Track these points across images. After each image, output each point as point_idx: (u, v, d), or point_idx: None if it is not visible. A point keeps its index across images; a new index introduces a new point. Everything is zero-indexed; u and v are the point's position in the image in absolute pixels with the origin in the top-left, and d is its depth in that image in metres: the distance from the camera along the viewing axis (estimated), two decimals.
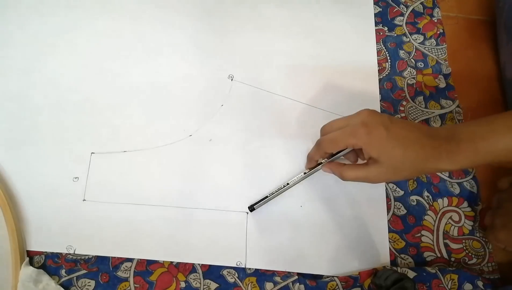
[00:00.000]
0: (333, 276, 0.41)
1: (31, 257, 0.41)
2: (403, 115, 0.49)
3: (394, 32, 0.53)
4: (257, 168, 0.45)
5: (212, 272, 0.41)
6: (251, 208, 0.42)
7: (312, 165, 0.41)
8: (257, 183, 0.44)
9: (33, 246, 0.41)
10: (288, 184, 0.42)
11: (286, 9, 0.53)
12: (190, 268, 0.41)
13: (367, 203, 0.44)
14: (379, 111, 0.47)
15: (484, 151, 0.33)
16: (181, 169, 0.45)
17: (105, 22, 0.51)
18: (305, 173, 0.42)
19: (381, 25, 0.54)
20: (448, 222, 0.44)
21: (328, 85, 0.50)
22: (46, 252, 0.41)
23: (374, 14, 0.54)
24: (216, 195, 0.44)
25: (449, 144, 0.33)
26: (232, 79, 0.49)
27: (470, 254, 0.43)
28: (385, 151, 0.34)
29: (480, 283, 0.40)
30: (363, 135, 0.34)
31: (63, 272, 0.40)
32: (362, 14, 0.54)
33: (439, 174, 0.46)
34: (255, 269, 0.41)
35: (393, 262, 0.43)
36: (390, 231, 0.44)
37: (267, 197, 0.42)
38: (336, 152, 0.39)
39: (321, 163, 0.40)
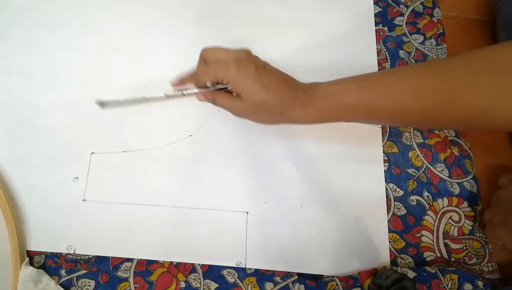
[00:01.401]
0: (333, 276, 0.41)
1: (31, 257, 0.41)
2: None
3: (394, 32, 0.53)
4: (257, 167, 0.45)
5: (212, 272, 0.41)
6: (102, 103, 0.40)
7: (182, 87, 0.40)
8: (257, 183, 0.44)
9: (33, 246, 0.41)
10: (146, 99, 0.41)
11: (285, 9, 0.53)
12: (190, 268, 0.41)
13: (367, 203, 0.44)
14: None
15: (332, 106, 0.36)
16: (181, 169, 0.45)
17: (106, 22, 0.51)
18: (166, 95, 0.40)
19: (381, 25, 0.54)
20: (448, 222, 0.44)
21: None
22: (46, 252, 0.41)
23: (374, 14, 0.54)
24: (216, 195, 0.44)
25: (304, 97, 0.36)
26: None
27: (470, 254, 0.43)
28: (248, 90, 0.35)
29: (480, 283, 0.40)
30: (232, 70, 0.35)
31: (63, 272, 0.40)
32: (362, 14, 0.54)
33: (439, 174, 0.46)
34: (255, 269, 0.41)
35: (393, 262, 0.43)
36: (390, 231, 0.44)
37: (122, 101, 0.40)
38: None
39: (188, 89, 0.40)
